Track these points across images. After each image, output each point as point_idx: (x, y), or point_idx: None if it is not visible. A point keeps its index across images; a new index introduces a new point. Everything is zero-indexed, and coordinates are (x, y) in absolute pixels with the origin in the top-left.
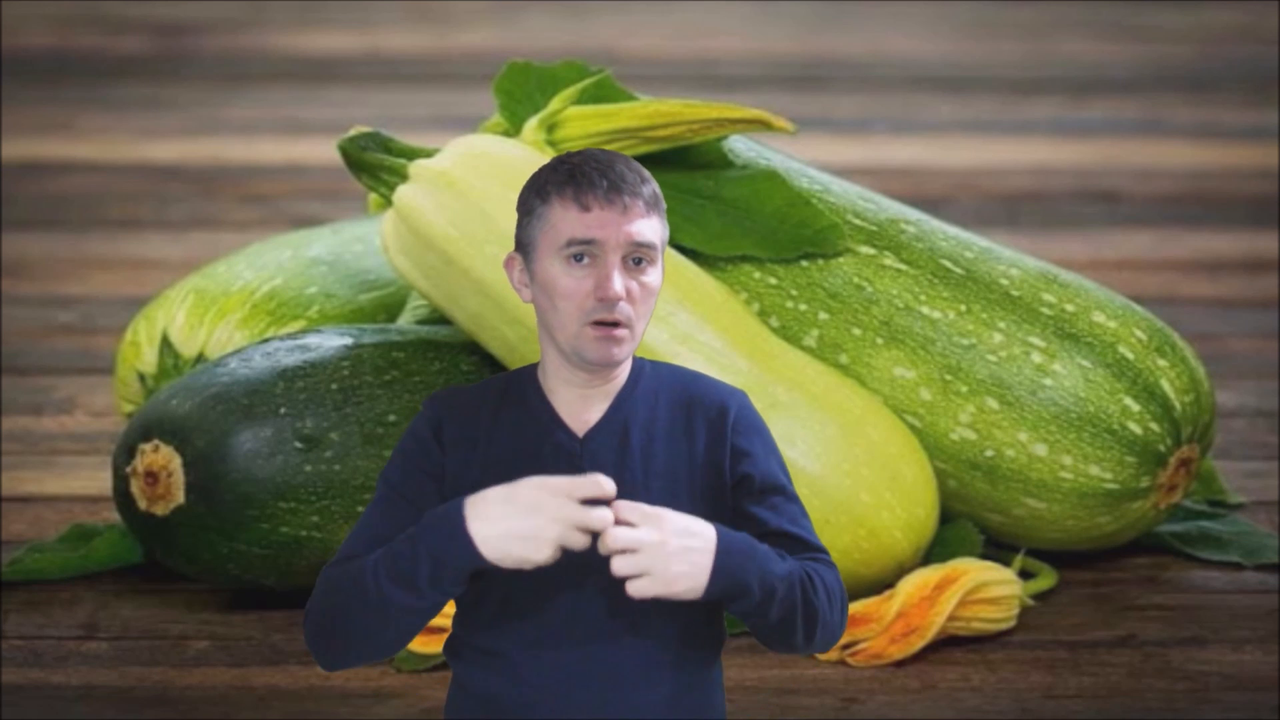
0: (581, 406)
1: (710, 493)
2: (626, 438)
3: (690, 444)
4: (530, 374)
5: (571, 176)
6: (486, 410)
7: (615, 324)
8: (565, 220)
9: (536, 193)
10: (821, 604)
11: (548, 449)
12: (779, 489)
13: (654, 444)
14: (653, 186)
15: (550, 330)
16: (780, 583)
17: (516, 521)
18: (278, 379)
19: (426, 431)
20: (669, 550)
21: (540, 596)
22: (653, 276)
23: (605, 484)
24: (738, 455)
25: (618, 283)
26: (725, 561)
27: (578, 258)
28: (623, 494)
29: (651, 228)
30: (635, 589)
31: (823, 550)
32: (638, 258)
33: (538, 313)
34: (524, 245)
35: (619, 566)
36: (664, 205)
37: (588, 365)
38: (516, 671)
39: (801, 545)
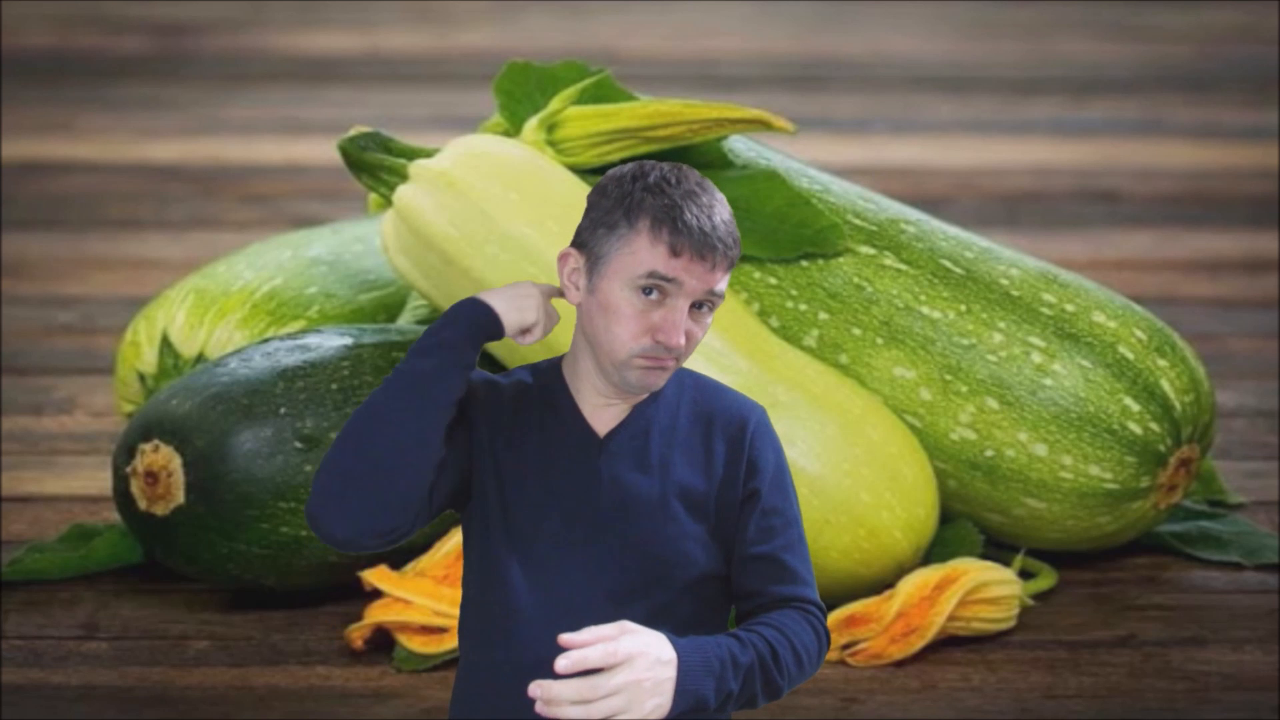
0: (605, 408)
1: (723, 509)
2: (646, 442)
3: (709, 459)
4: (555, 369)
5: (670, 215)
6: (509, 394)
7: (666, 360)
8: (652, 256)
9: (625, 212)
10: (787, 676)
11: (568, 445)
12: (779, 511)
13: (673, 452)
14: (736, 234)
15: (595, 345)
16: (736, 685)
17: (517, 306)
18: (278, 379)
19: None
20: (644, 688)
21: (548, 592)
22: (709, 321)
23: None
24: (751, 471)
25: (681, 331)
26: (686, 684)
27: (647, 290)
28: (642, 504)
29: (724, 282)
30: None
31: (808, 584)
32: (700, 303)
33: (585, 321)
34: (592, 253)
35: (596, 710)
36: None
37: (627, 387)
38: (523, 666)
39: (787, 576)
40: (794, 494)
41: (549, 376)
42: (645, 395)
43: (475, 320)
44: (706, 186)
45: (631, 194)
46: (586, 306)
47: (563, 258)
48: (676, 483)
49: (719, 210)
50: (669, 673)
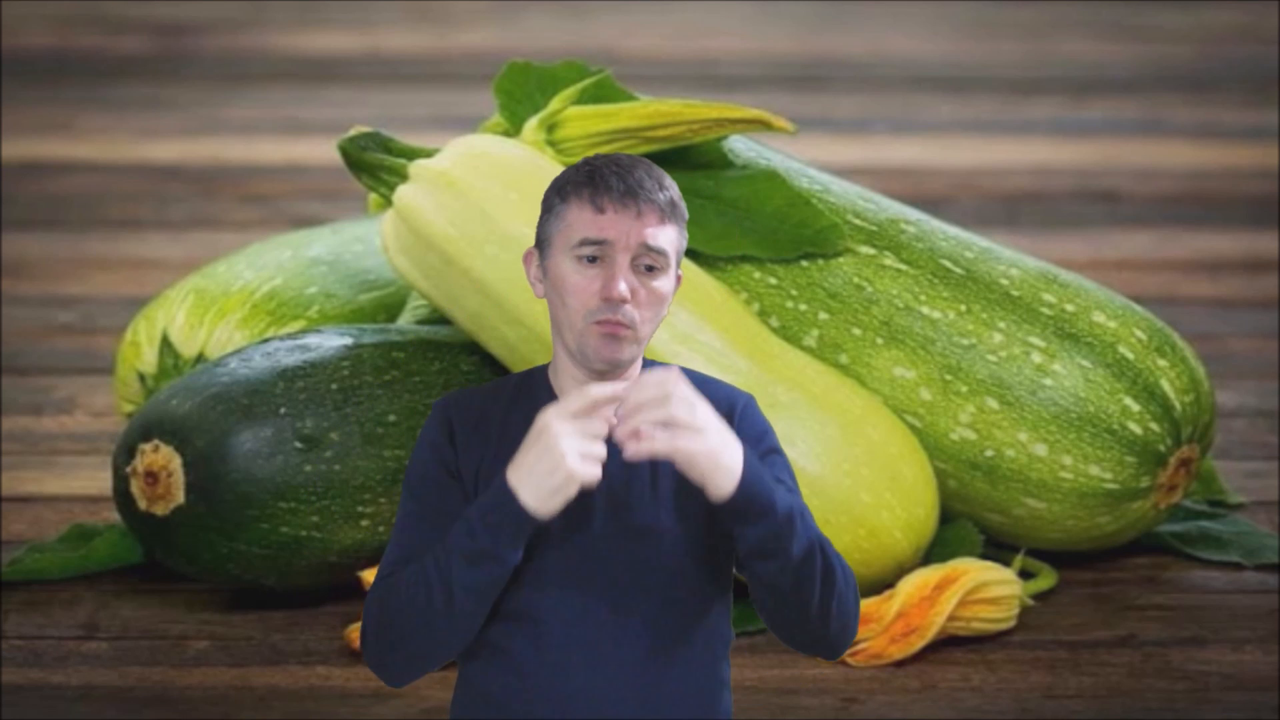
0: None
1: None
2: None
3: None
4: (542, 374)
5: (590, 178)
6: (498, 409)
7: (618, 324)
8: (580, 220)
9: (557, 191)
10: (837, 567)
11: None
12: (779, 482)
13: None
14: (671, 194)
15: (559, 327)
16: (799, 517)
17: (537, 462)
18: (278, 379)
19: (440, 436)
20: (725, 434)
21: (547, 592)
22: (662, 283)
23: (595, 392)
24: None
25: (622, 284)
26: (752, 469)
27: (589, 258)
28: (631, 496)
29: (665, 235)
30: (683, 442)
31: (825, 540)
32: (648, 264)
33: (550, 310)
34: (541, 241)
35: (676, 412)
36: (684, 214)
37: (591, 365)
38: (523, 667)
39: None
40: (790, 468)
41: (535, 381)
42: (623, 379)
43: (520, 528)
44: (637, 159)
45: (561, 177)
46: (547, 294)
47: (526, 259)
48: (668, 475)
49: (643, 168)
50: (740, 445)
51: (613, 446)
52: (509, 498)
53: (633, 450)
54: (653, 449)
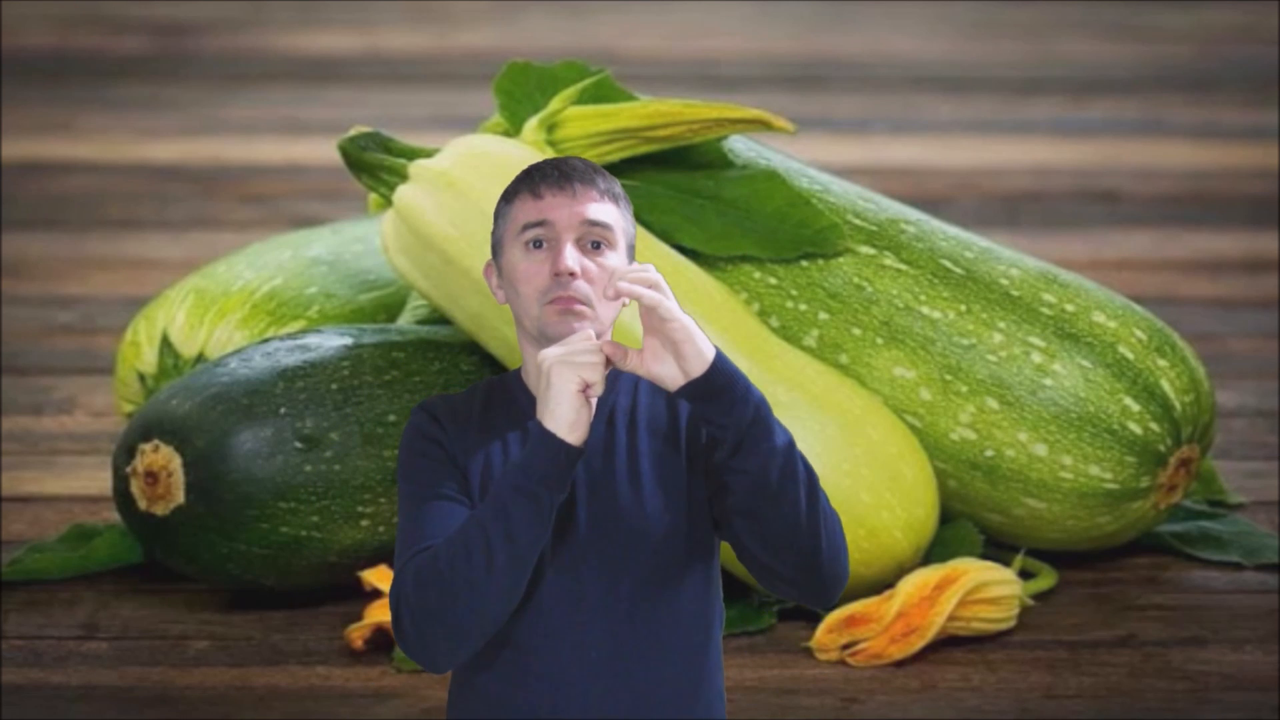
0: None
1: (697, 454)
2: (611, 427)
3: (673, 418)
4: (514, 376)
5: (528, 174)
6: (476, 411)
7: (571, 299)
8: (522, 210)
9: (504, 197)
10: (819, 484)
11: None
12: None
13: (638, 429)
14: (610, 184)
15: (520, 320)
16: (775, 421)
17: (555, 402)
18: (278, 379)
19: (431, 428)
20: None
21: (536, 583)
22: (611, 259)
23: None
24: None
25: (569, 258)
26: (722, 355)
27: (536, 244)
28: (612, 480)
29: (605, 211)
30: (665, 302)
31: None
32: (595, 240)
33: (512, 310)
34: (495, 248)
35: (657, 277)
36: (625, 201)
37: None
38: (519, 664)
39: None
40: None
41: (508, 383)
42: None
43: (561, 464)
44: (569, 157)
45: (508, 186)
46: (506, 294)
47: (486, 271)
48: (647, 456)
49: (576, 159)
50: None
51: (594, 437)
52: (546, 436)
53: (617, 290)
54: (638, 293)
